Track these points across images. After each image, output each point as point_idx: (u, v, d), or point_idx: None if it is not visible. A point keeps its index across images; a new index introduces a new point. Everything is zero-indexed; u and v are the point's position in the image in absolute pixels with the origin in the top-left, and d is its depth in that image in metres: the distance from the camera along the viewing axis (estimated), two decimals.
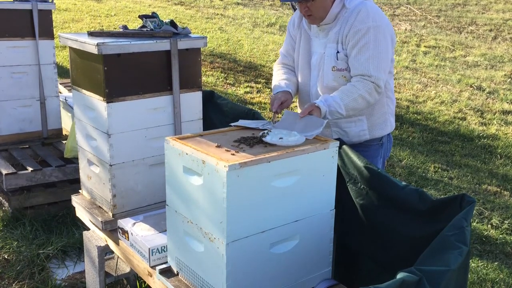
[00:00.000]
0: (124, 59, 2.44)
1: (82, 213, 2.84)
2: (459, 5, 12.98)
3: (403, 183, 2.15)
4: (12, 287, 3.09)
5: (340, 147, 2.26)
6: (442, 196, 4.71)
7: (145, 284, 2.99)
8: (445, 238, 1.74)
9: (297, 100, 2.80)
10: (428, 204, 2.04)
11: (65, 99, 4.53)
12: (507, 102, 7.45)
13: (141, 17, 2.70)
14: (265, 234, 1.89)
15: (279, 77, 2.72)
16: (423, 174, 5.26)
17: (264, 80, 7.82)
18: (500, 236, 4.10)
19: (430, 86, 8.12)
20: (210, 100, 3.38)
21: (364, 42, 2.40)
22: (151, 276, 2.27)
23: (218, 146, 1.94)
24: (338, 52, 2.49)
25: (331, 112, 2.36)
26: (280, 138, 2.00)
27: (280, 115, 2.49)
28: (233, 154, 1.85)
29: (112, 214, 2.59)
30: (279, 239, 1.95)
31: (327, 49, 2.52)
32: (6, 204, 3.88)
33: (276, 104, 2.47)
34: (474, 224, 4.25)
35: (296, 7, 2.65)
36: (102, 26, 9.83)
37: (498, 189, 5.02)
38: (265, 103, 6.93)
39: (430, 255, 1.68)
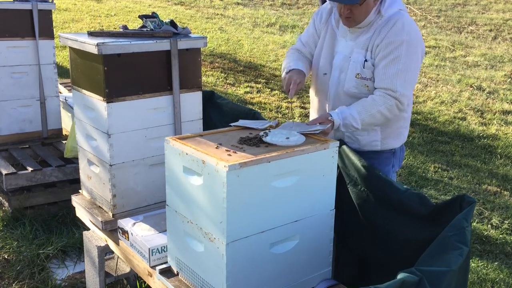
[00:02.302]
0: (124, 59, 2.43)
1: (82, 213, 2.84)
2: (459, 5, 12.98)
3: (404, 186, 2.14)
4: (12, 287, 3.09)
5: (340, 147, 2.25)
6: (442, 196, 4.72)
7: (145, 284, 2.99)
8: (446, 238, 1.74)
9: (311, 101, 2.73)
10: (429, 209, 2.03)
11: (65, 99, 4.53)
12: (507, 102, 7.44)
13: (141, 17, 2.70)
14: (265, 234, 1.89)
15: (293, 57, 2.64)
16: (423, 174, 5.25)
17: (264, 80, 7.81)
18: (500, 236, 4.10)
19: (430, 86, 8.11)
20: (210, 100, 3.38)
21: (396, 55, 2.34)
22: (151, 276, 2.27)
23: (218, 146, 1.93)
24: (366, 60, 2.42)
25: (345, 125, 2.32)
26: (281, 138, 2.00)
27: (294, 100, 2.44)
28: (232, 154, 1.84)
29: (112, 214, 2.59)
30: (279, 239, 1.95)
31: (354, 54, 2.45)
32: (6, 204, 3.88)
33: (292, 89, 2.39)
34: (474, 224, 4.25)
35: (330, 4, 2.56)
36: (102, 26, 9.83)
37: (498, 189, 5.02)
38: (265, 103, 6.93)
39: (430, 256, 1.68)
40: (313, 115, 2.74)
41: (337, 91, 2.51)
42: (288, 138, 2.00)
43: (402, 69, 2.34)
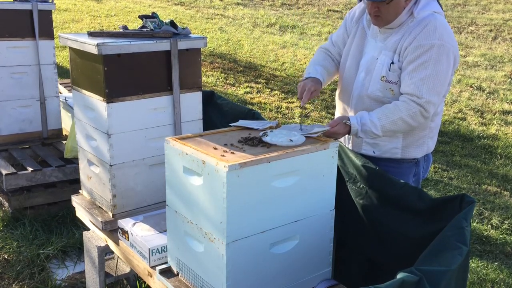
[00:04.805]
0: (124, 59, 2.44)
1: (82, 213, 2.84)
2: (459, 5, 12.99)
3: (402, 181, 2.15)
4: (12, 287, 3.09)
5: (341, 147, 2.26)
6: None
7: (145, 284, 3.00)
8: (445, 238, 1.74)
9: (336, 103, 2.65)
10: (427, 203, 2.05)
11: (65, 99, 4.54)
12: (507, 102, 7.44)
13: (141, 17, 2.70)
14: (265, 234, 1.89)
15: (316, 61, 2.58)
16: None
17: (264, 81, 7.82)
18: (500, 236, 4.11)
19: None
20: (210, 100, 3.38)
21: (424, 59, 2.22)
22: (151, 276, 2.27)
23: (217, 147, 1.93)
24: (392, 62, 2.31)
25: (364, 131, 2.24)
26: (281, 138, 2.00)
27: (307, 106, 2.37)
28: (232, 154, 1.85)
29: (112, 214, 2.59)
30: (279, 239, 1.95)
31: (382, 56, 2.36)
32: (6, 204, 3.88)
33: (305, 97, 2.32)
34: (474, 224, 4.25)
35: (364, 3, 2.47)
36: (102, 26, 9.84)
37: (498, 189, 5.02)
38: (265, 103, 6.93)
39: (430, 255, 1.69)
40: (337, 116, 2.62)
41: (360, 93, 2.42)
42: (288, 138, 2.00)
43: (430, 74, 2.22)
